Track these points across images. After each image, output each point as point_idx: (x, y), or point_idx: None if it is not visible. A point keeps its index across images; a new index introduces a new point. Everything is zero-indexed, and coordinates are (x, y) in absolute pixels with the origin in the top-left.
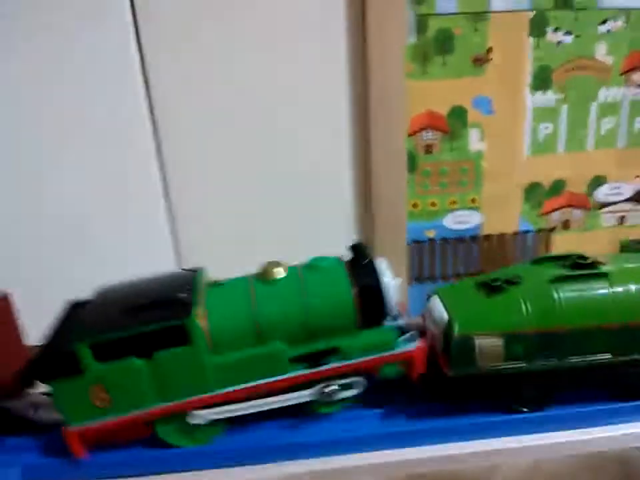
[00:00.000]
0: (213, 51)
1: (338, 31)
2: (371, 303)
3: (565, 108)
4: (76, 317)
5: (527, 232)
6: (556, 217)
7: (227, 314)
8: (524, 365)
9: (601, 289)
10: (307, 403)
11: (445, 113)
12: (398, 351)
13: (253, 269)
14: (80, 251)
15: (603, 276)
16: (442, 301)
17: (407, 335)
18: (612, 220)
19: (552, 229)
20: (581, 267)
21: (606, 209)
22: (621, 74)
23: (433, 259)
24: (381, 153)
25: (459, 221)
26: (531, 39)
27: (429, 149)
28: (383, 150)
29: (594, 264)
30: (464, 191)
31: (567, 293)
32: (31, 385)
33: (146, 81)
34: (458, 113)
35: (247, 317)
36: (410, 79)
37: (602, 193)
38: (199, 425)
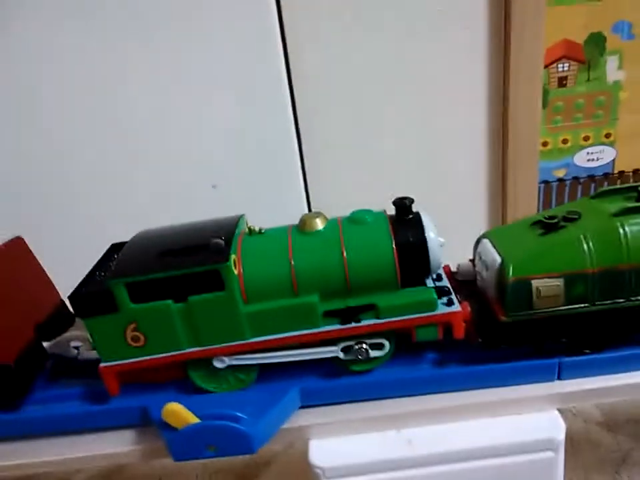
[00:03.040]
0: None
1: None
2: (413, 260)
3: None
4: (115, 257)
5: None
6: None
7: (263, 263)
8: (587, 306)
9: None
10: (340, 360)
11: (582, 40)
12: (435, 312)
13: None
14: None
15: None
16: (493, 243)
17: (448, 297)
18: None
19: None
20: None
21: None
22: None
23: (561, 200)
24: (519, 87)
25: (591, 158)
26: None
27: (562, 81)
28: (521, 83)
29: None
30: (598, 125)
31: (632, 227)
32: (70, 324)
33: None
34: (596, 40)
35: (283, 268)
36: (547, 5)
37: None
38: (228, 371)
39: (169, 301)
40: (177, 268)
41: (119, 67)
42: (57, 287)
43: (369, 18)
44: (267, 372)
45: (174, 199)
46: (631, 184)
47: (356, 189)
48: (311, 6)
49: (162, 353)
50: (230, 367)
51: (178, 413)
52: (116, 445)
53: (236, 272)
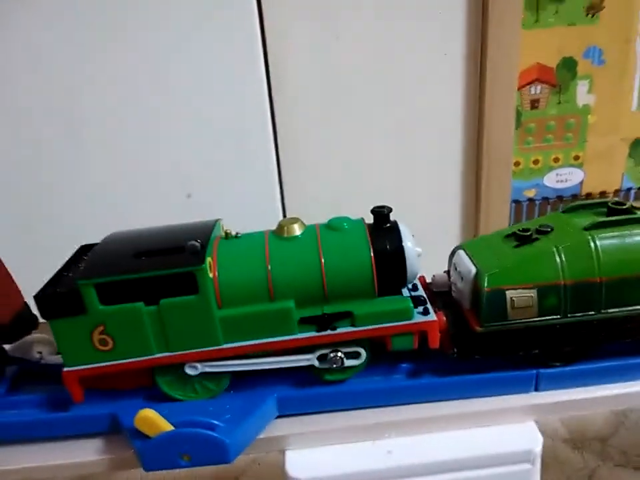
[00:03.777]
0: None
1: None
2: (390, 268)
3: None
4: (84, 258)
5: (629, 190)
6: None
7: (239, 267)
8: (559, 318)
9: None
10: (315, 368)
11: (554, 64)
12: (411, 321)
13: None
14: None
15: None
16: (468, 254)
17: (424, 306)
18: None
19: None
20: (617, 213)
21: None
22: None
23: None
24: (493, 107)
25: (561, 179)
26: None
27: (534, 103)
28: (496, 104)
29: (631, 210)
30: (568, 147)
31: (603, 240)
32: (33, 326)
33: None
34: (568, 64)
35: (259, 273)
36: (522, 28)
37: None
38: (198, 378)
39: (140, 304)
40: (149, 269)
41: (92, 69)
42: (22, 290)
43: (348, 21)
44: (241, 380)
45: (149, 209)
46: (600, 200)
47: (332, 199)
48: (290, 3)
49: (130, 357)
50: (201, 374)
51: (152, 420)
52: (83, 454)
53: (211, 275)
